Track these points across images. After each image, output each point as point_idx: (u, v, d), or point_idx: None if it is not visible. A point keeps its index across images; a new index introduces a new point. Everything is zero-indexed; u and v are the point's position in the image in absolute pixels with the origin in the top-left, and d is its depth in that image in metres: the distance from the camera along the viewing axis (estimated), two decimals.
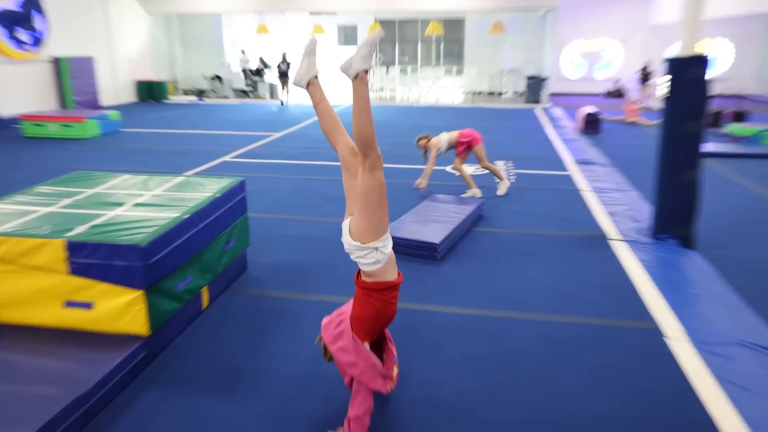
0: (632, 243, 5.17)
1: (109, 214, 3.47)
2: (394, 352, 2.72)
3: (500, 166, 7.05)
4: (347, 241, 2.43)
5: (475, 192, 6.80)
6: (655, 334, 3.57)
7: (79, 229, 3.18)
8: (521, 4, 16.15)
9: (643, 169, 8.01)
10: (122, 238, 3.05)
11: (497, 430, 2.67)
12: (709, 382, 3.02)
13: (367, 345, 2.48)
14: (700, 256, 4.84)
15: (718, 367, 3.16)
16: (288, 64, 17.47)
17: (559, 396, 2.94)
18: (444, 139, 6.91)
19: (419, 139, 7.02)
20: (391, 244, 2.45)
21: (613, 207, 6.31)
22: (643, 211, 6.08)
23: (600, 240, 5.31)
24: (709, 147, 9.27)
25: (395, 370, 2.68)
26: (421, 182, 6.77)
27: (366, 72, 2.36)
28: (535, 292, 4.18)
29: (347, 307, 2.63)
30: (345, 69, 2.37)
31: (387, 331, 2.75)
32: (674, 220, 5.06)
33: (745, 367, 3.16)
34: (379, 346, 2.66)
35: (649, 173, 7.19)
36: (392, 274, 2.50)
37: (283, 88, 17.73)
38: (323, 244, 5.11)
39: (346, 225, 2.49)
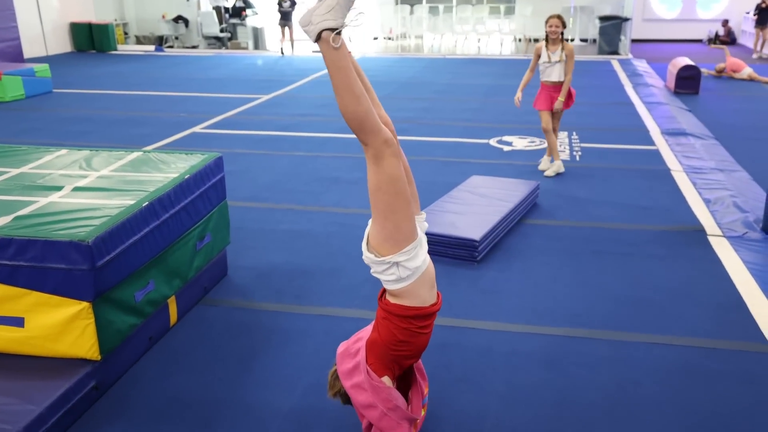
0: (737, 240, 5.17)
1: (42, 202, 3.49)
2: (425, 390, 2.73)
3: (550, 141, 6.98)
4: (363, 251, 2.43)
5: (560, 166, 6.91)
6: (763, 357, 3.59)
7: (4, 220, 3.22)
8: None
9: (755, 141, 8.06)
10: (60, 233, 3.07)
11: None
12: None
13: (387, 380, 2.48)
14: None
15: None
16: (293, 3, 17.62)
17: (633, 428, 2.99)
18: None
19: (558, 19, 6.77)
20: (422, 258, 2.40)
21: (714, 192, 6.27)
22: (754, 197, 6.06)
23: (694, 236, 5.30)
24: None
25: (423, 413, 2.71)
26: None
27: (334, 31, 2.13)
28: (605, 304, 4.20)
29: (366, 331, 2.64)
30: (304, 25, 2.20)
31: (419, 362, 2.77)
32: None
33: None
34: (406, 380, 2.70)
35: (763, 147, 7.16)
36: (425, 298, 2.47)
37: (282, 34, 17.91)
38: (325, 242, 5.16)
39: (367, 229, 2.46)
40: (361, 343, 2.55)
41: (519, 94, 6.92)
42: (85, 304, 3.10)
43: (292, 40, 18.12)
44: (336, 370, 2.60)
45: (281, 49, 17.81)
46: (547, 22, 6.65)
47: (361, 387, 2.44)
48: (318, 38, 2.13)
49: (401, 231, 2.32)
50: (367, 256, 2.38)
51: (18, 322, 3.19)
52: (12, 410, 2.81)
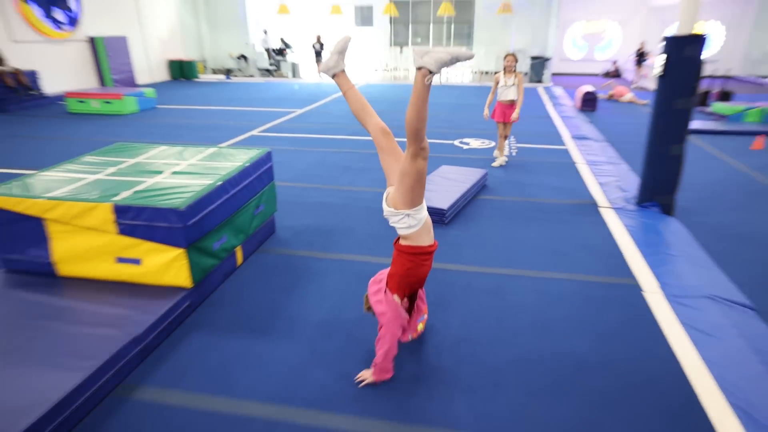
0: (619, 210, 5.21)
1: (150, 181, 3.52)
2: (424, 310, 2.84)
3: (499, 142, 7.00)
4: (384, 207, 2.49)
5: (503, 160, 6.87)
6: (634, 288, 3.67)
7: (124, 194, 3.24)
8: None
9: (632, 144, 7.99)
10: (163, 203, 3.11)
11: (494, 369, 2.80)
12: (677, 329, 3.17)
13: (398, 298, 2.57)
14: (679, 222, 4.89)
15: (685, 316, 3.30)
16: (321, 45, 17.45)
17: (548, 340, 3.06)
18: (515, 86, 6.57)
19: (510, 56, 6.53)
20: (424, 213, 2.47)
21: (604, 178, 6.30)
22: (630, 181, 6.08)
23: (591, 207, 5.33)
24: (695, 124, 9.26)
25: (420, 326, 2.82)
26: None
27: (431, 73, 2.16)
28: (531, 253, 4.25)
29: (385, 271, 2.71)
30: (418, 54, 2.19)
31: (422, 292, 2.83)
32: (658, 189, 5.08)
33: (710, 316, 3.28)
34: (411, 303, 2.75)
35: (637, 148, 7.17)
36: (426, 241, 2.53)
37: (317, 65, 17.75)
38: (342, 210, 5.17)
39: (385, 194, 2.53)
40: (384, 275, 2.67)
41: (486, 111, 6.77)
42: (180, 250, 3.16)
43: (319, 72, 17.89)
44: (367, 294, 2.76)
45: (319, 75, 17.68)
46: (505, 58, 6.48)
47: (380, 301, 2.59)
48: (419, 68, 2.17)
49: (416, 198, 2.38)
50: (388, 209, 2.46)
51: (137, 261, 3.25)
52: (135, 319, 2.90)
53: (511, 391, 2.64)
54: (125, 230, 3.15)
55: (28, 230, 3.29)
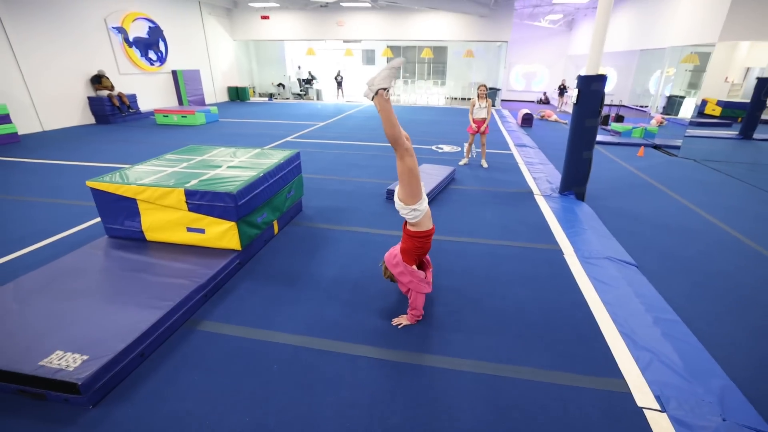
0: (547, 197, 5.13)
1: (212, 173, 3.43)
2: (431, 267, 2.72)
3: (466, 147, 6.86)
4: (396, 202, 2.38)
5: (467, 161, 6.72)
6: (557, 252, 3.62)
7: (193, 182, 3.16)
8: (485, 37, 15.44)
9: (557, 150, 7.91)
10: (221, 188, 3.04)
11: (457, 308, 2.75)
12: (585, 280, 3.16)
13: (414, 267, 2.50)
14: (588, 205, 4.83)
15: (592, 271, 3.29)
16: (342, 78, 17.54)
17: (498, 289, 3.01)
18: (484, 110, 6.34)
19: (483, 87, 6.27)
20: (425, 204, 2.36)
21: (537, 174, 6.21)
22: (555, 176, 6.00)
23: (528, 194, 5.24)
24: (600, 137, 9.21)
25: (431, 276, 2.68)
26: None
27: (385, 90, 2.11)
28: (486, 227, 4.18)
29: (397, 247, 2.59)
30: (369, 85, 2.14)
31: (427, 257, 2.73)
32: (574, 182, 5.02)
33: (606, 271, 3.28)
34: (421, 266, 2.64)
35: (559, 153, 7.13)
36: (427, 225, 2.43)
37: (337, 93, 17.71)
38: (352, 195, 5.04)
39: (396, 192, 2.40)
40: (396, 251, 2.55)
41: (472, 123, 6.47)
42: (233, 223, 3.07)
43: (341, 96, 17.71)
44: (385, 266, 2.61)
45: (338, 100, 17.54)
46: (479, 87, 6.28)
47: (402, 273, 2.48)
48: (375, 94, 2.11)
49: (415, 193, 2.29)
50: (399, 205, 2.35)
51: (202, 231, 3.16)
52: (199, 272, 2.82)
53: (468, 325, 2.60)
54: (193, 208, 3.08)
55: (125, 207, 3.21)
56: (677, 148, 8.38)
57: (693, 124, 10.85)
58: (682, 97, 13.13)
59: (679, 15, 10.20)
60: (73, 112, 9.98)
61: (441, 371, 2.21)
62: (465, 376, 2.19)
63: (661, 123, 11.38)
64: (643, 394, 2.08)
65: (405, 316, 2.59)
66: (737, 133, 10.07)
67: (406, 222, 2.47)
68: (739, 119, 10.74)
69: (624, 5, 13.84)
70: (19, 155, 6.82)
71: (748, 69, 13.28)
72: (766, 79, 9.56)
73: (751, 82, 10.63)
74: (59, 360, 1.97)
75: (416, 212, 2.33)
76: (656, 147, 8.77)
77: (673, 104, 13.23)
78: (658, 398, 2.05)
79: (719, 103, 12.66)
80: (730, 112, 12.17)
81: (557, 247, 3.71)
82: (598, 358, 2.33)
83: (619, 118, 11.87)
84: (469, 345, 2.41)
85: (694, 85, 13.11)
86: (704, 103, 13.07)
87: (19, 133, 8.47)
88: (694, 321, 2.68)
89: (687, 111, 12.51)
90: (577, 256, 3.52)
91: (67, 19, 9.63)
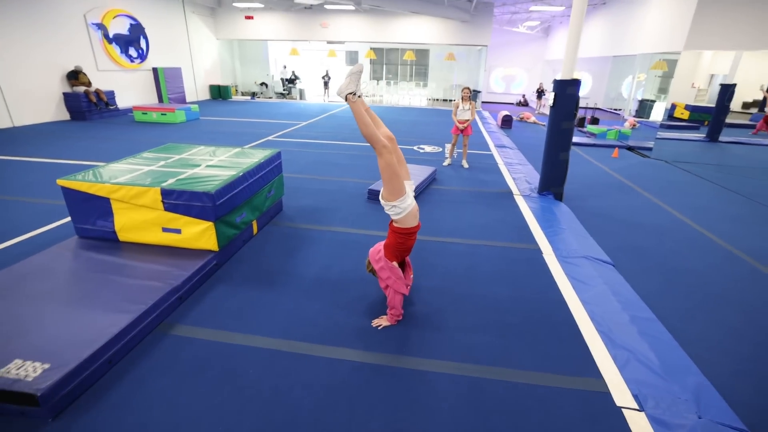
0: (526, 197, 5.13)
1: (190, 172, 3.30)
2: (410, 274, 2.64)
3: (448, 148, 6.84)
4: (381, 201, 2.34)
5: (450, 161, 6.69)
6: (536, 251, 3.61)
7: (170, 181, 3.02)
8: (466, 41, 15.53)
9: (535, 151, 7.98)
10: (199, 187, 2.91)
11: (437, 309, 2.69)
12: (564, 278, 3.15)
13: (395, 264, 2.44)
14: (565, 205, 4.85)
15: (570, 270, 3.29)
16: (329, 78, 17.29)
17: (478, 289, 2.97)
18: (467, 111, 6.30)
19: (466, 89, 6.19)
20: (408, 201, 2.30)
21: (516, 174, 6.23)
22: (534, 177, 6.03)
23: (508, 195, 5.24)
24: (576, 139, 9.35)
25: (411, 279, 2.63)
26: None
27: (353, 94, 2.21)
28: (466, 226, 4.15)
29: (382, 243, 2.55)
30: (338, 93, 2.25)
31: (408, 259, 2.67)
32: (552, 182, 5.04)
33: (584, 269, 3.28)
34: (402, 266, 2.58)
35: (538, 154, 7.17)
36: (412, 223, 2.37)
37: (324, 92, 17.51)
38: (332, 195, 4.94)
39: (381, 191, 2.35)
40: (380, 246, 2.50)
41: (457, 124, 6.40)
42: (210, 223, 2.94)
43: (327, 96, 17.49)
44: (369, 260, 2.56)
45: (324, 100, 17.28)
46: (463, 90, 6.23)
47: (383, 268, 2.43)
48: (346, 99, 2.20)
49: (396, 190, 2.25)
50: (383, 203, 2.31)
51: (178, 231, 3.02)
52: (174, 273, 2.69)
53: (448, 326, 2.54)
54: (169, 208, 2.94)
55: (98, 206, 3.04)
56: (649, 149, 8.57)
57: (663, 126, 11.18)
58: (653, 101, 13.51)
59: (648, 24, 10.47)
60: (47, 108, 9.53)
61: (421, 374, 2.14)
62: (446, 378, 2.12)
63: (634, 125, 11.65)
64: (621, 394, 2.06)
65: (385, 317, 2.52)
66: (704, 135, 10.39)
67: (391, 220, 2.42)
68: (706, 122, 11.08)
69: (597, 13, 14.13)
70: None
71: (712, 75, 13.78)
72: (728, 85, 9.90)
73: (716, 88, 11.02)
74: (17, 369, 1.81)
75: (397, 209, 2.28)
76: (630, 148, 8.96)
77: (644, 108, 13.59)
78: (636, 397, 2.03)
79: (687, 107, 13.07)
80: (697, 115, 12.58)
81: (536, 246, 3.70)
82: (578, 357, 2.31)
83: (595, 121, 12.12)
84: (450, 346, 2.35)
85: (663, 90, 13.50)
86: (673, 107, 13.48)
87: None
88: (668, 318, 2.69)
89: (658, 114, 12.87)
90: (556, 256, 3.51)
91: (45, 13, 9.21)
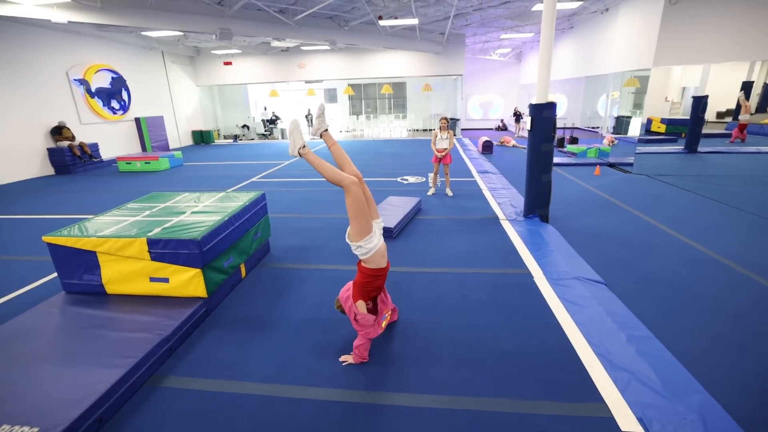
0: (512, 221, 5.23)
1: (175, 220, 3.38)
2: (386, 310, 2.62)
3: (431, 177, 7.04)
4: (347, 240, 2.38)
5: (434, 191, 6.85)
6: (527, 276, 3.67)
7: (156, 230, 3.10)
8: (441, 72, 16.27)
9: (518, 174, 8.18)
10: (185, 235, 2.99)
11: (431, 343, 2.73)
12: (557, 302, 3.19)
13: (361, 304, 2.45)
14: (552, 226, 4.95)
15: (562, 292, 3.33)
16: (312, 116, 17.96)
17: (470, 318, 3.02)
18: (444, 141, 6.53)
19: (444, 119, 6.47)
20: (374, 242, 2.33)
21: (501, 199, 6.34)
22: (519, 200, 6.16)
23: (493, 220, 5.34)
24: (557, 159, 9.63)
25: (384, 324, 2.59)
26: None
27: (303, 147, 2.38)
28: (454, 255, 4.20)
29: (352, 282, 2.58)
30: (291, 153, 2.42)
31: (386, 296, 2.69)
32: (537, 205, 5.17)
33: (576, 291, 3.32)
34: (374, 304, 2.61)
35: (521, 177, 7.33)
36: (380, 263, 2.40)
37: (309, 130, 18.06)
38: (318, 232, 5.02)
39: (347, 230, 2.41)
40: (350, 285, 2.54)
41: (436, 153, 6.61)
42: (198, 270, 3.00)
43: (312, 133, 18.10)
44: (339, 299, 2.60)
45: (312, 137, 17.77)
46: (440, 120, 6.50)
47: (350, 308, 2.47)
48: (299, 153, 2.39)
49: (363, 229, 2.27)
50: (348, 242, 2.36)
51: (166, 280, 3.08)
52: (163, 324, 2.73)
53: (443, 359, 2.58)
54: (156, 257, 3.00)
55: (84, 260, 3.11)
56: (630, 164, 8.84)
57: (642, 141, 11.63)
58: (629, 117, 14.10)
59: (616, 44, 11.10)
60: (32, 164, 9.73)
61: (420, 410, 2.16)
62: (444, 414, 2.14)
63: (613, 142, 12.11)
64: (625, 418, 2.04)
65: (349, 356, 2.55)
66: (683, 147, 10.81)
67: (360, 260, 2.45)
68: (683, 134, 11.54)
69: (565, 37, 14.98)
70: None
71: (684, 88, 14.54)
72: (701, 97, 10.47)
73: (689, 101, 11.62)
74: None
75: (363, 249, 2.31)
76: (611, 165, 9.26)
77: (621, 124, 14.18)
78: (640, 420, 2.01)
79: (663, 120, 13.69)
80: (674, 128, 13.16)
81: (527, 270, 3.76)
82: (577, 382, 2.30)
83: (574, 140, 12.57)
84: (446, 380, 2.38)
85: (638, 105, 14.14)
86: (650, 121, 14.11)
87: None
88: (665, 335, 2.69)
89: (635, 130, 13.39)
90: (547, 279, 3.55)
91: (28, 71, 9.57)
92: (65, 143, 10.13)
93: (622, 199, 6.22)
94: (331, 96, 20.75)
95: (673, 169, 8.43)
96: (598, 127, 16.46)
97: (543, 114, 4.76)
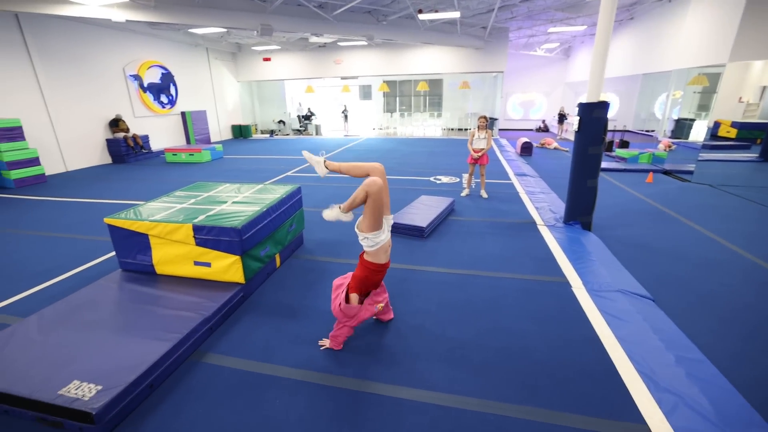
0: (551, 227, 5.13)
1: (218, 209, 3.63)
2: (380, 298, 2.74)
3: (466, 178, 7.04)
4: (356, 229, 2.52)
5: (468, 192, 6.84)
6: (565, 285, 3.61)
7: (200, 218, 3.35)
8: (481, 68, 15.98)
9: (558, 178, 7.97)
10: (226, 223, 3.22)
11: (461, 344, 2.79)
12: (596, 314, 3.10)
13: (356, 296, 2.59)
14: (595, 235, 4.83)
15: (602, 304, 3.24)
16: (347, 112, 18.71)
17: (500, 320, 3.04)
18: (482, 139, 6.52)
19: (482, 118, 6.43)
20: (382, 237, 2.45)
21: (539, 203, 6.21)
22: (558, 206, 6.02)
23: (531, 225, 5.26)
24: (604, 164, 9.30)
25: (380, 306, 2.72)
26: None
27: (325, 162, 2.67)
28: (487, 259, 4.19)
29: (351, 273, 2.72)
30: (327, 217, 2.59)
31: (383, 289, 2.81)
32: (579, 211, 5.05)
33: (619, 304, 3.22)
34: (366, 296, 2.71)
35: (562, 181, 7.19)
36: (382, 259, 2.53)
37: (344, 125, 18.73)
38: (349, 228, 5.02)
39: (357, 221, 2.54)
40: (349, 276, 2.69)
41: (472, 153, 6.64)
42: (237, 257, 3.23)
43: (347, 130, 18.47)
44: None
45: (344, 134, 18.29)
46: (479, 119, 6.47)
47: (336, 297, 2.63)
48: (326, 168, 2.77)
49: (374, 224, 2.40)
50: (357, 232, 2.48)
51: (208, 264, 3.32)
52: (205, 305, 2.97)
53: (472, 361, 2.61)
54: (200, 242, 3.25)
55: (138, 242, 3.43)
56: (690, 173, 8.28)
57: (706, 147, 10.87)
58: (692, 120, 13.23)
59: (684, 37, 10.22)
60: (93, 153, 10.81)
61: (446, 409, 2.21)
62: (471, 416, 2.16)
63: (670, 147, 11.50)
64: None
65: (328, 340, 2.70)
66: (757, 155, 9.82)
67: (362, 252, 2.58)
68: (758, 141, 10.53)
69: (624, 30, 14.19)
70: (45, 194, 7.34)
71: (764, 87, 13.41)
72: None
73: None
74: (76, 389, 2.13)
75: (370, 242, 2.44)
76: (666, 172, 8.78)
77: (682, 127, 13.34)
78: None
79: (734, 124, 12.69)
80: (747, 133, 12.10)
81: (564, 279, 3.67)
82: (615, 399, 2.22)
83: (624, 144, 12.00)
84: (474, 383, 2.40)
85: (704, 107, 13.22)
86: (717, 125, 13.13)
87: (46, 173, 9.24)
88: (723, 361, 2.52)
89: (698, 134, 12.55)
90: (587, 289, 3.45)
91: (90, 68, 10.60)
92: (121, 135, 11.14)
93: (678, 210, 5.89)
94: (366, 93, 21.00)
95: (742, 180, 7.78)
96: (653, 131, 15.69)
97: (593, 114, 4.56)
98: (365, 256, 2.55)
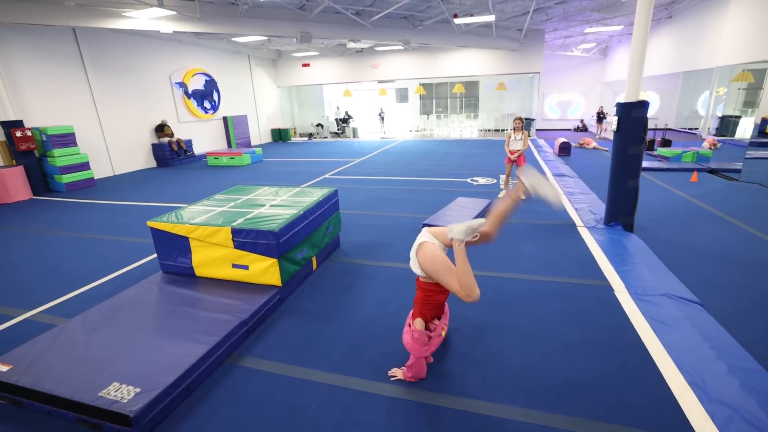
0: (591, 228, 4.90)
1: (256, 212, 3.59)
2: (444, 322, 2.49)
3: (503, 179, 6.76)
4: (412, 256, 2.30)
5: (505, 193, 6.63)
6: (607, 288, 3.40)
7: (239, 221, 3.32)
8: (517, 70, 15.55)
9: (598, 179, 7.62)
10: (264, 226, 3.17)
11: (498, 349, 2.64)
12: (641, 320, 2.91)
13: (419, 322, 2.34)
14: (638, 237, 4.55)
15: (647, 310, 3.04)
16: (384, 114, 18.81)
17: (540, 328, 2.87)
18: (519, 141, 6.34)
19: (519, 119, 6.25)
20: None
21: (579, 204, 5.97)
22: (599, 207, 5.73)
23: (570, 227, 5.04)
24: (646, 164, 8.81)
25: (444, 332, 2.47)
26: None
27: (460, 242, 2.10)
28: (526, 261, 4.04)
29: None
30: (452, 233, 2.15)
31: (447, 306, 2.57)
32: (620, 212, 4.78)
33: (666, 310, 3.01)
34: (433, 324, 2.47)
35: (601, 182, 6.82)
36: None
37: (381, 127, 18.81)
38: (386, 230, 5.08)
39: (416, 246, 2.29)
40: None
41: (509, 154, 6.45)
42: (274, 260, 3.17)
43: (383, 131, 18.41)
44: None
45: (381, 135, 18.31)
46: (514, 120, 6.30)
47: (407, 332, 2.34)
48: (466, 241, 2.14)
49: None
50: (413, 261, 2.30)
51: (245, 267, 3.27)
52: (242, 307, 2.91)
53: (511, 366, 2.48)
54: (238, 245, 3.22)
55: (179, 245, 3.43)
56: (737, 171, 7.81)
57: (754, 144, 10.12)
58: (738, 117, 12.36)
59: (726, 33, 9.77)
60: (140, 158, 11.18)
61: (484, 418, 2.10)
62: (510, 425, 2.06)
63: (715, 145, 10.70)
64: None
65: (403, 369, 2.38)
66: None
67: (418, 276, 2.37)
68: None
69: (662, 28, 13.53)
70: (94, 197, 7.63)
71: None
72: None
73: None
74: (116, 391, 2.09)
75: (424, 274, 2.29)
76: (712, 171, 8.24)
77: (727, 125, 12.46)
78: None
79: None
80: None
81: (606, 283, 3.49)
82: (664, 411, 2.09)
83: (666, 143, 11.32)
84: (513, 390, 2.28)
85: (750, 103, 12.34)
86: (765, 121, 12.19)
87: (95, 177, 9.60)
88: None
89: (745, 131, 11.74)
90: (630, 293, 3.28)
91: (138, 75, 11.00)
92: (166, 139, 11.48)
93: (726, 210, 5.49)
94: (402, 96, 20.88)
95: None
96: (696, 129, 14.66)
97: (632, 114, 4.39)
98: (421, 279, 2.37)
